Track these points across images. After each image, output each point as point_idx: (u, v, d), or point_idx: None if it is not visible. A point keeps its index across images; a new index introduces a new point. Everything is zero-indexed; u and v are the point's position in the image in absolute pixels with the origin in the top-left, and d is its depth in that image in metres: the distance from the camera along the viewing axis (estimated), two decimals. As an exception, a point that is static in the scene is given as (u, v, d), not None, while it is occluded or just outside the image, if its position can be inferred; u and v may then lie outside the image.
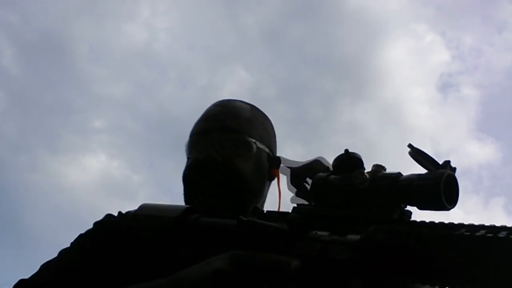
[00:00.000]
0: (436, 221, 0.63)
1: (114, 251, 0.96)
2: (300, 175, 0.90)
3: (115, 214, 1.10)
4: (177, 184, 1.19)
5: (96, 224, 1.08)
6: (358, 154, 0.78)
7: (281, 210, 1.11)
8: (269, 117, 1.30)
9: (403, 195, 0.68)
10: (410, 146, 0.71)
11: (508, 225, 0.56)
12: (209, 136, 1.14)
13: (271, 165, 1.20)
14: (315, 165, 0.89)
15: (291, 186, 0.92)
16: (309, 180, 0.87)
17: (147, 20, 10.20)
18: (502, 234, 0.54)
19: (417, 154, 0.70)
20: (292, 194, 0.90)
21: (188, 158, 1.19)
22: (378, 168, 0.72)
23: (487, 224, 0.58)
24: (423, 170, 0.68)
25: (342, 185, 0.74)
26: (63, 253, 1.02)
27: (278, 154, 1.25)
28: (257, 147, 1.16)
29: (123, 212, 1.08)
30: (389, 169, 0.72)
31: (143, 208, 1.01)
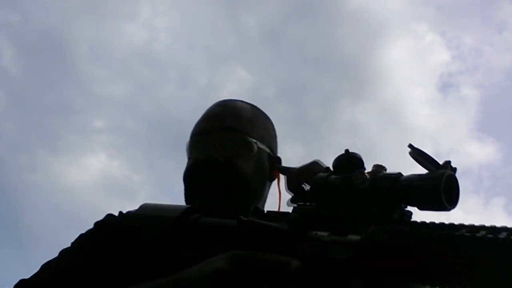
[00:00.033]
0: (437, 222, 0.63)
1: (115, 251, 0.96)
2: (297, 179, 0.90)
3: (116, 214, 1.10)
4: (177, 184, 1.19)
5: (96, 224, 1.08)
6: (358, 154, 0.78)
7: (281, 210, 1.11)
8: (269, 117, 1.30)
9: (403, 196, 0.68)
10: (410, 146, 0.71)
11: (509, 225, 0.56)
12: (210, 136, 1.14)
13: (272, 165, 1.20)
14: (313, 167, 0.88)
15: (288, 190, 0.91)
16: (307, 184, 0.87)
17: (147, 20, 10.21)
18: (503, 235, 0.54)
19: (417, 154, 0.70)
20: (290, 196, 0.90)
21: (189, 158, 1.19)
22: (379, 168, 0.72)
23: (487, 224, 0.58)
24: (423, 170, 0.68)
25: (343, 185, 0.74)
26: (63, 253, 1.02)
27: (278, 155, 1.25)
28: (258, 147, 1.16)
29: (124, 212, 1.08)
30: (389, 169, 0.72)
31: (144, 208, 1.01)
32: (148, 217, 0.98)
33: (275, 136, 1.28)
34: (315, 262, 0.67)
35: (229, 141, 1.13)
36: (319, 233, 0.71)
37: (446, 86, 10.32)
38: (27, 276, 0.95)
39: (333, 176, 0.77)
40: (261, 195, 1.18)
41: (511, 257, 0.52)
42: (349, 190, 0.73)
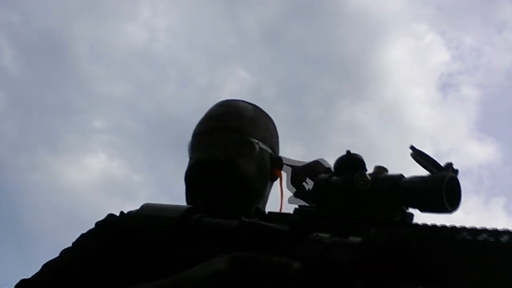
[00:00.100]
0: (438, 223, 0.63)
1: (116, 251, 0.96)
2: (299, 175, 0.90)
3: (117, 214, 1.10)
4: (177, 184, 1.19)
5: (98, 224, 1.08)
6: (360, 156, 0.78)
7: (282, 211, 1.11)
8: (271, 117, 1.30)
9: (405, 198, 0.68)
10: (412, 148, 0.71)
11: (509, 226, 0.56)
12: (212, 136, 1.14)
13: (274, 165, 1.20)
14: (315, 166, 0.88)
15: (290, 185, 0.92)
16: (309, 181, 0.88)
17: (147, 20, 10.20)
18: (504, 238, 0.54)
19: (419, 156, 0.70)
20: (290, 194, 0.91)
21: (190, 158, 1.19)
22: (380, 170, 0.72)
23: (488, 225, 0.58)
24: (424, 172, 0.68)
25: (344, 187, 0.74)
26: (65, 253, 1.02)
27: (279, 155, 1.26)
28: (260, 148, 1.16)
29: (125, 212, 1.08)
30: (389, 169, 0.72)
31: (145, 208, 1.01)
32: (149, 217, 0.98)
33: (276, 137, 1.28)
34: (316, 264, 0.67)
35: (231, 141, 1.13)
36: (320, 234, 0.71)
37: (446, 86, 10.32)
38: (27, 276, 0.95)
39: (334, 178, 0.77)
40: (263, 196, 1.18)
41: None
42: (350, 192, 0.73)
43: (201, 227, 0.91)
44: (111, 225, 1.05)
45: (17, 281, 0.94)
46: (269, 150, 1.19)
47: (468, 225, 0.60)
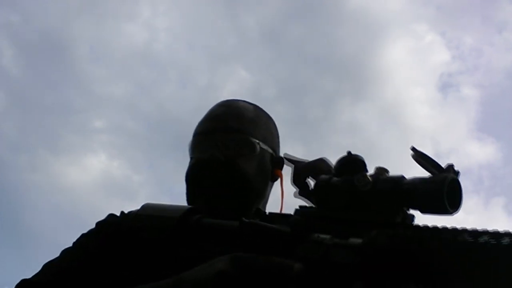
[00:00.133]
0: (439, 225, 0.63)
1: (117, 251, 0.96)
2: (302, 174, 0.90)
3: (117, 214, 1.10)
4: (178, 184, 1.19)
5: (98, 224, 1.08)
6: (361, 157, 0.78)
7: (283, 211, 1.11)
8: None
9: (406, 199, 0.68)
10: (413, 149, 0.71)
11: (509, 226, 0.56)
12: (213, 136, 1.14)
13: (274, 165, 1.20)
14: (319, 164, 0.89)
15: (293, 184, 0.92)
16: (311, 179, 0.88)
17: (147, 20, 10.19)
18: (505, 240, 0.54)
19: (420, 158, 0.70)
20: (292, 192, 0.91)
21: (191, 158, 1.18)
22: (381, 171, 0.72)
23: (488, 224, 0.58)
24: (425, 173, 0.68)
25: (345, 188, 0.74)
26: (65, 252, 1.01)
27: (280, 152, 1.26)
28: (261, 148, 1.15)
29: (126, 212, 1.08)
30: (389, 169, 0.72)
31: (146, 208, 1.01)
32: (149, 217, 0.97)
33: (277, 137, 1.27)
34: (317, 265, 0.67)
35: (231, 141, 1.13)
36: (321, 235, 0.71)
37: (446, 86, 10.32)
38: (27, 276, 0.95)
39: (335, 179, 0.77)
40: (263, 196, 1.18)
41: None
42: (351, 193, 0.73)
43: (202, 227, 0.91)
44: (111, 225, 1.05)
45: (17, 281, 0.94)
46: (270, 150, 1.19)
47: (468, 225, 0.60)
